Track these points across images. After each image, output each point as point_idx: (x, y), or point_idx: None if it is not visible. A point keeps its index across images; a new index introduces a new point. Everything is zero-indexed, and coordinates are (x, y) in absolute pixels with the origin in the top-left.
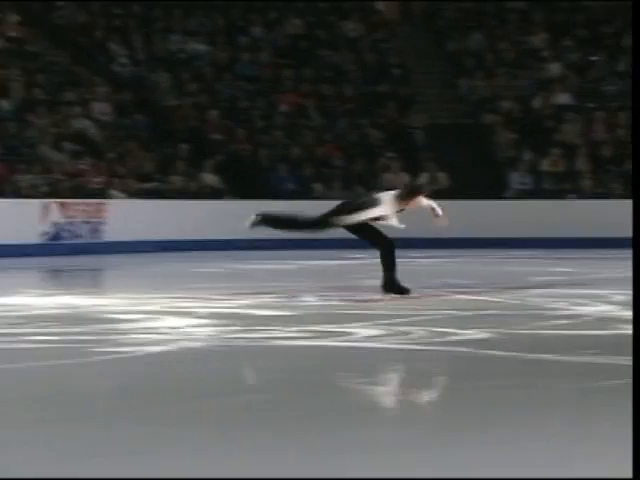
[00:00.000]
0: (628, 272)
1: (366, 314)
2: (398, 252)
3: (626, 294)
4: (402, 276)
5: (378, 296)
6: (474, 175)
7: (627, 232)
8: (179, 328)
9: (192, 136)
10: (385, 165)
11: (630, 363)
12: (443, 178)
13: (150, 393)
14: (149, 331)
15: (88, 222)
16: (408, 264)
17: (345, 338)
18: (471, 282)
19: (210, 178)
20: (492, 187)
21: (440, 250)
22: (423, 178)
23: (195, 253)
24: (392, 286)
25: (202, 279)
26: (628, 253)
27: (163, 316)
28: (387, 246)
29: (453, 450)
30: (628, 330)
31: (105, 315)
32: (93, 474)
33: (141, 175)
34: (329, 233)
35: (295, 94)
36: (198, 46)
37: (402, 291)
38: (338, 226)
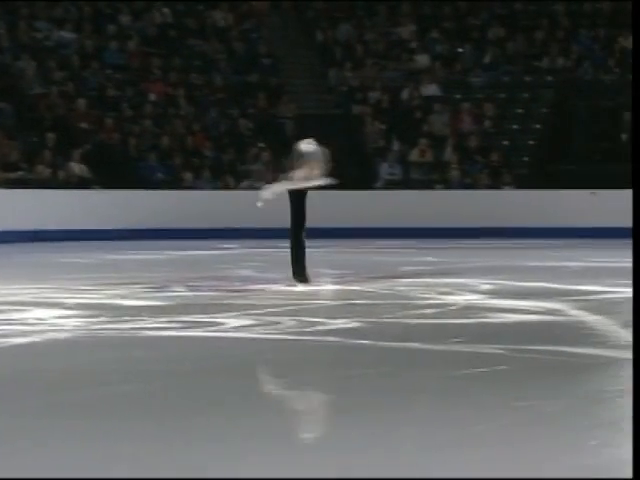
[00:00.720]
0: (494, 261)
1: (236, 304)
2: (268, 242)
3: (492, 283)
4: (272, 266)
5: (248, 286)
6: (344, 165)
7: (492, 222)
8: (46, 319)
9: (59, 125)
10: (255, 155)
11: (495, 351)
12: None
13: (18, 385)
14: (15, 322)
15: None
16: (277, 254)
17: (215, 328)
18: (341, 272)
19: (78, 167)
20: (362, 177)
21: (310, 240)
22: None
23: (63, 243)
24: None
25: (70, 270)
26: (493, 243)
27: (30, 307)
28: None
29: (325, 437)
30: (493, 319)
31: None
32: None
33: (6, 164)
34: (201, 223)
35: (164, 83)
36: (65, 34)
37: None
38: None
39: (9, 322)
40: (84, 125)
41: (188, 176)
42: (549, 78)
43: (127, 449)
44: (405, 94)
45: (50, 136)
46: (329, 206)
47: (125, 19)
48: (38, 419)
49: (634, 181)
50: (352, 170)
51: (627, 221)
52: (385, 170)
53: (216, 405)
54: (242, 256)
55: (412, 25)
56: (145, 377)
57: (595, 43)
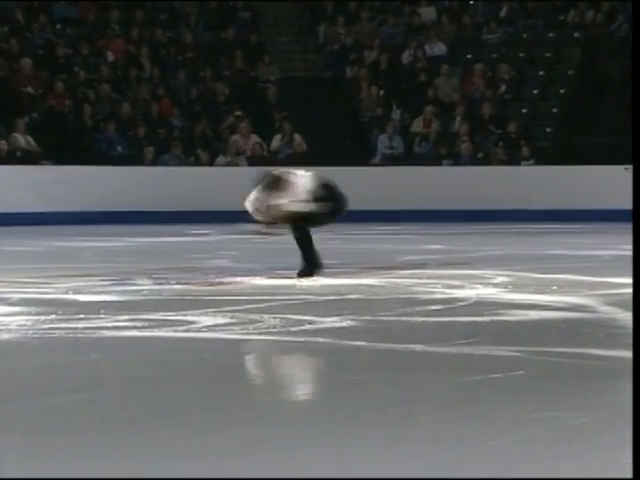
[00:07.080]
0: (510, 249)
1: (210, 300)
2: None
3: (507, 275)
4: (254, 255)
5: (224, 279)
6: (335, 137)
7: (508, 203)
8: None
9: (0, 89)
10: (232, 125)
11: (511, 354)
12: (299, 141)
13: None
14: None
15: None
16: (259, 243)
17: (185, 328)
18: (331, 262)
19: (23, 139)
20: (356, 151)
21: None
22: (276, 141)
23: (7, 229)
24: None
25: (15, 259)
26: (509, 228)
27: None
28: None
29: (314, 455)
30: (508, 317)
31: None
32: None
33: None
34: (169, 205)
35: (124, 41)
36: None
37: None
38: None
39: None
40: (30, 90)
41: (153, 150)
42: (576, 35)
43: (76, 466)
44: (407, 54)
45: None
46: None
47: None
48: None
49: (634, 168)
50: (345, 143)
51: None
52: (384, 143)
53: (183, 417)
54: (217, 244)
55: None
56: (102, 385)
57: None
